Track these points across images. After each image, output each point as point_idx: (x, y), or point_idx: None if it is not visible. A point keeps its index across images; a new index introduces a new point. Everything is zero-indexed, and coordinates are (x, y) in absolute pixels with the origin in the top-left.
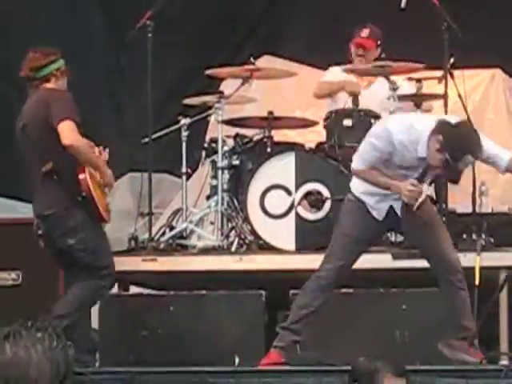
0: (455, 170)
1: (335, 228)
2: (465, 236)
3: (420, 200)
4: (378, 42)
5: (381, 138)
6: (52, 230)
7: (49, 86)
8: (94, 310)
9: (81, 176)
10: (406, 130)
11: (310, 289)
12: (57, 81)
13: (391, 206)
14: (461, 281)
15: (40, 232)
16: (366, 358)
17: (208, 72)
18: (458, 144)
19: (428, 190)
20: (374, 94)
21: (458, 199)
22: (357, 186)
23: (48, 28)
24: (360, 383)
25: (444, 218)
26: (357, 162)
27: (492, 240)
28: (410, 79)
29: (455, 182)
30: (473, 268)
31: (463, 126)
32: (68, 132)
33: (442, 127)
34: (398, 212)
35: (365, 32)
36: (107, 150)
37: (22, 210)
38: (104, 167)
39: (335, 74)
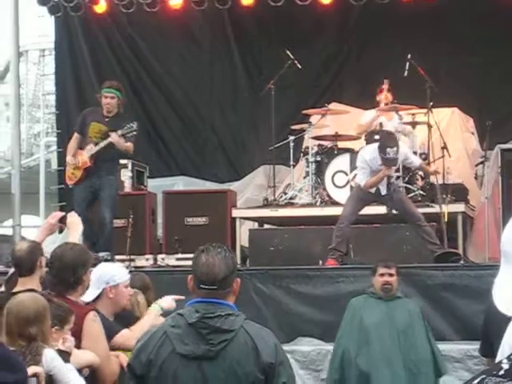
0: (389, 158)
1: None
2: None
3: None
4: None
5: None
6: None
7: None
8: (246, 236)
9: None
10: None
11: (339, 225)
12: (99, 103)
13: (378, 188)
14: (423, 221)
15: None
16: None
17: (303, 112)
18: (380, 145)
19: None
20: (391, 123)
21: (435, 176)
22: None
23: (215, 87)
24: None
25: (428, 187)
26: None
27: (453, 198)
28: (410, 114)
29: (392, 165)
30: (443, 212)
31: (385, 137)
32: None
33: (378, 142)
34: (383, 192)
35: (385, 83)
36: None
37: (204, 185)
38: (67, 157)
39: (367, 115)
